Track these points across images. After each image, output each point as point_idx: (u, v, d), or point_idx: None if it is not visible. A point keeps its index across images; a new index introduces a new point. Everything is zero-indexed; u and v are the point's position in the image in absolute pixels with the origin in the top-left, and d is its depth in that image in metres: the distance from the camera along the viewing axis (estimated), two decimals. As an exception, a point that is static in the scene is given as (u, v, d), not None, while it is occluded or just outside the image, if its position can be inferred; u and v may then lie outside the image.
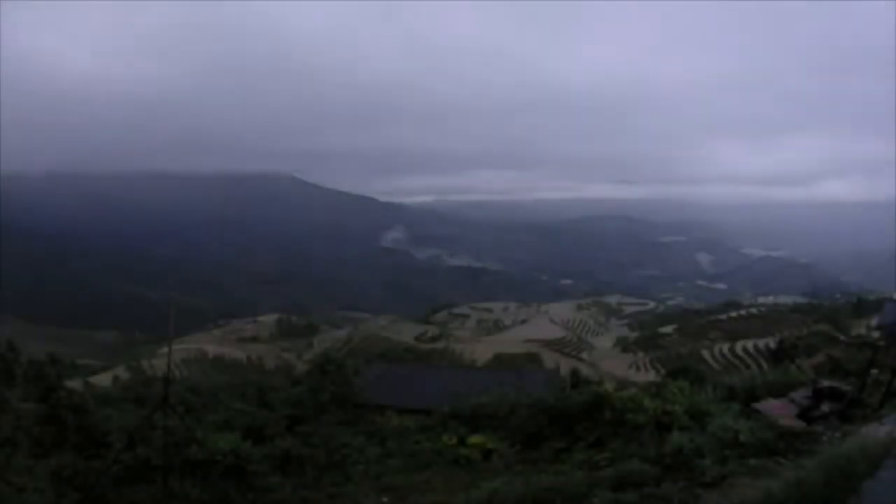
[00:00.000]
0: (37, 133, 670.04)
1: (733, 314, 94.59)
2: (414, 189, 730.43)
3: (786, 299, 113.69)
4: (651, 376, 57.46)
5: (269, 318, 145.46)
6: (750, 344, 69.01)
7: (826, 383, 12.41)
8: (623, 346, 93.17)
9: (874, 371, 12.45)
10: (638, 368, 71.88)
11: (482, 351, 76.05)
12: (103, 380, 71.05)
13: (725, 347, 70.99)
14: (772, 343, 58.74)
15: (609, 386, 17.89)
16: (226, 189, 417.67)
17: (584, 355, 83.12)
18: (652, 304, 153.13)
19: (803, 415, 10.66)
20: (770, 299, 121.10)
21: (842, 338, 54.70)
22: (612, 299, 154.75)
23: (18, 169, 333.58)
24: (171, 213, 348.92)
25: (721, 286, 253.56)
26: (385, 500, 11.25)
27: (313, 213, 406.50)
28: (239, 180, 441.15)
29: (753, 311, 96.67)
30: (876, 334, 50.73)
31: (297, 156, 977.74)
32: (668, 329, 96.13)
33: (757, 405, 12.21)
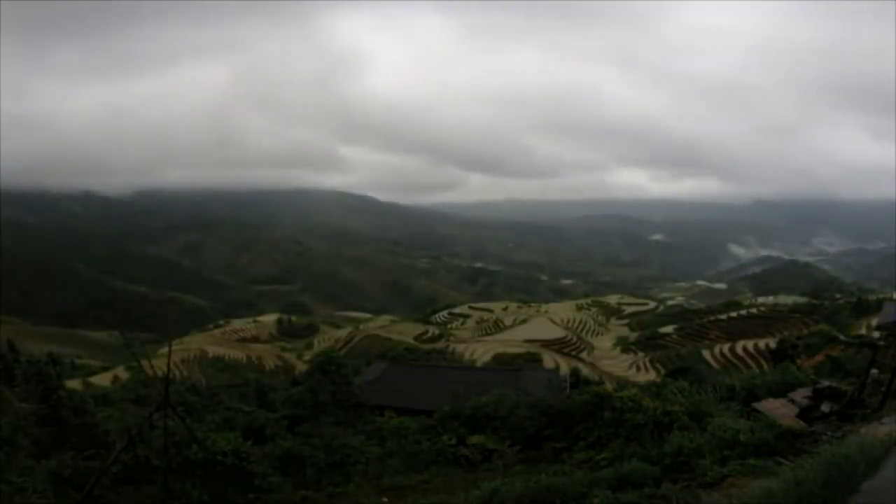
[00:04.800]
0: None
1: (733, 314, 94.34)
2: (414, 190, 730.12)
3: (786, 299, 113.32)
4: (651, 376, 57.46)
5: (269, 318, 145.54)
6: (750, 344, 68.91)
7: (826, 383, 12.42)
8: (623, 346, 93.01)
9: (874, 371, 12.45)
10: (638, 368, 71.83)
11: (482, 351, 75.95)
12: (103, 380, 71.24)
13: (725, 347, 70.87)
14: (772, 343, 58.70)
15: (609, 386, 17.92)
16: (229, 189, 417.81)
17: (584, 355, 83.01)
18: (652, 304, 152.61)
19: (803, 415, 10.65)
20: (770, 299, 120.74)
21: (842, 338, 54.61)
22: (612, 299, 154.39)
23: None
24: (170, 215, 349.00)
25: (721, 286, 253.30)
26: (385, 500, 11.25)
27: (313, 213, 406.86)
28: (242, 181, 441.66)
29: (753, 311, 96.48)
30: (876, 334, 50.71)
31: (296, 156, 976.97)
32: (668, 329, 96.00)
33: (757, 405, 12.22)
